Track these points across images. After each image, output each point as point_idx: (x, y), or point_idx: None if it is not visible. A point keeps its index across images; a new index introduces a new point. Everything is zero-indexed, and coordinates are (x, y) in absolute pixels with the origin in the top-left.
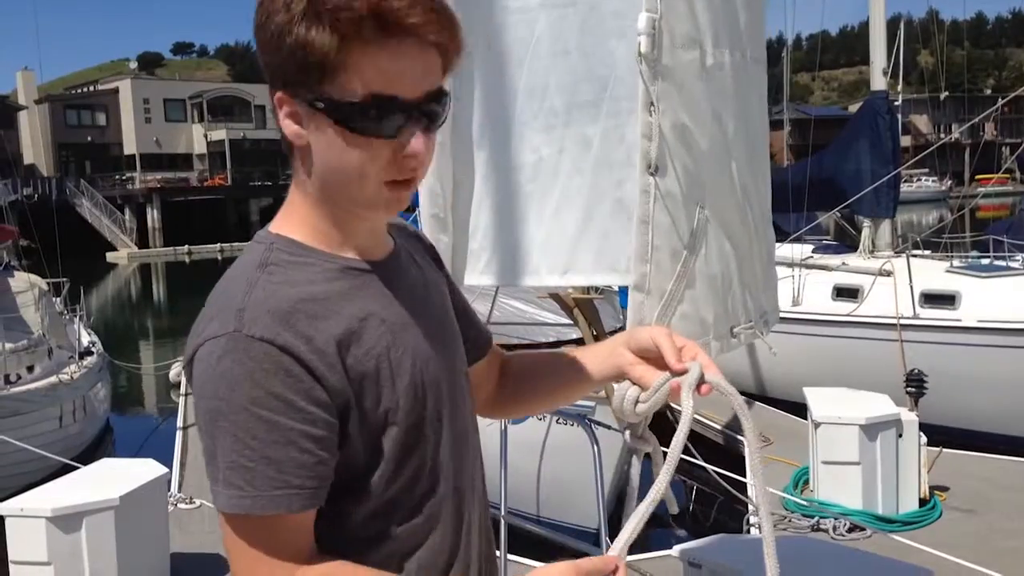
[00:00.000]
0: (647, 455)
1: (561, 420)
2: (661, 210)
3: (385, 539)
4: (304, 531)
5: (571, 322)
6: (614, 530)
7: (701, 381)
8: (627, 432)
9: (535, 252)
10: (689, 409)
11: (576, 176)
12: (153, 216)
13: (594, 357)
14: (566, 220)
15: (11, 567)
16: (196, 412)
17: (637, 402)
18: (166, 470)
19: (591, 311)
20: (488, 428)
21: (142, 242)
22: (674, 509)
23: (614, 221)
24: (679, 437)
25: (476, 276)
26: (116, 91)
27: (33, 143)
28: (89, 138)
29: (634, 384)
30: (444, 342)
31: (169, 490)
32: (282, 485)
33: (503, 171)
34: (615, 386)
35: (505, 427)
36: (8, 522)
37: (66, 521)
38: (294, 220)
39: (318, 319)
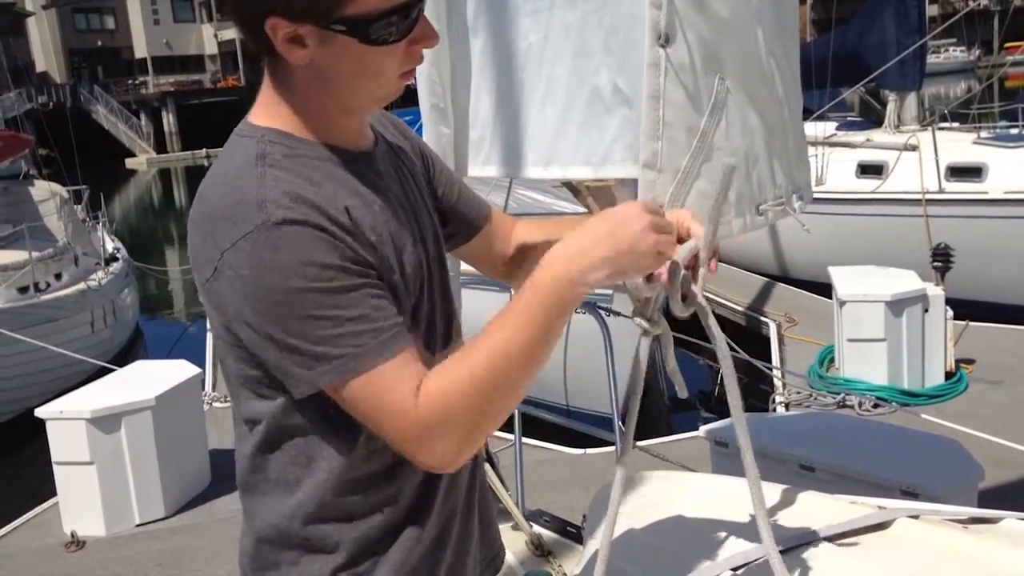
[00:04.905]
0: (656, 338)
1: (579, 308)
2: (674, 84)
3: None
4: (416, 364)
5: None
6: (627, 419)
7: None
8: (636, 314)
9: (525, 143)
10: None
11: (558, 64)
12: (169, 120)
13: None
14: (548, 110)
15: (55, 467)
16: (251, 320)
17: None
18: (199, 370)
19: (608, 198)
20: None
21: (160, 147)
22: (683, 393)
23: (590, 111)
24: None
25: (479, 167)
26: None
27: (44, 50)
28: (99, 42)
29: None
30: (425, 229)
31: (203, 390)
32: (379, 331)
33: (499, 58)
34: None
35: None
36: (49, 425)
37: (105, 422)
38: (280, 112)
39: (333, 203)
